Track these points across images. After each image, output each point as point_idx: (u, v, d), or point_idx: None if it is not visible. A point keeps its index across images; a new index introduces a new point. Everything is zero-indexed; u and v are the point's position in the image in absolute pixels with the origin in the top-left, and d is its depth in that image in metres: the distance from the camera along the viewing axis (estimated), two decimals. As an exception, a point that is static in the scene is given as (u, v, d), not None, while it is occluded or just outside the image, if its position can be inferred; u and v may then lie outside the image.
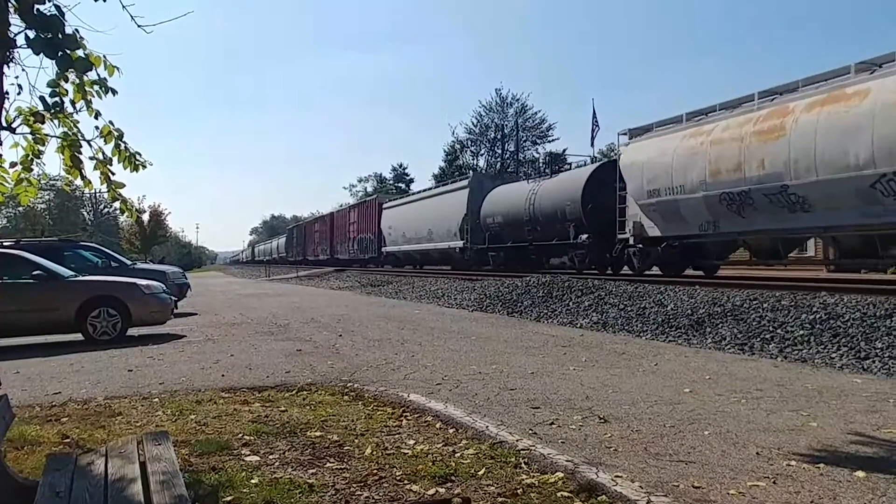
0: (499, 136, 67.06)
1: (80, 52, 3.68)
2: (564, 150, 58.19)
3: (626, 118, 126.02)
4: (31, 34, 3.21)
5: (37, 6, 3.16)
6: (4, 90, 3.39)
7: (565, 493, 3.52)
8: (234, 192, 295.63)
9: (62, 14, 3.28)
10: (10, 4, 3.13)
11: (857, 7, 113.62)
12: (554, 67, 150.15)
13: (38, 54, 3.28)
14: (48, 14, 3.22)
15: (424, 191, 38.77)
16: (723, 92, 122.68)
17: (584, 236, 20.57)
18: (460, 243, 29.26)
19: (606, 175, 20.05)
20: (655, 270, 18.45)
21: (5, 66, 3.36)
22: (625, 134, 19.26)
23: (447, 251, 30.98)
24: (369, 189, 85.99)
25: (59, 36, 3.27)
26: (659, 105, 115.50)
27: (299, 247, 68.52)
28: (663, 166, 16.54)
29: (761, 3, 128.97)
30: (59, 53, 3.32)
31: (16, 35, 3.25)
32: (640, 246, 18.14)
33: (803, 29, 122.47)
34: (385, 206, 41.03)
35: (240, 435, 4.75)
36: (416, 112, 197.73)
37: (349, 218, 48.48)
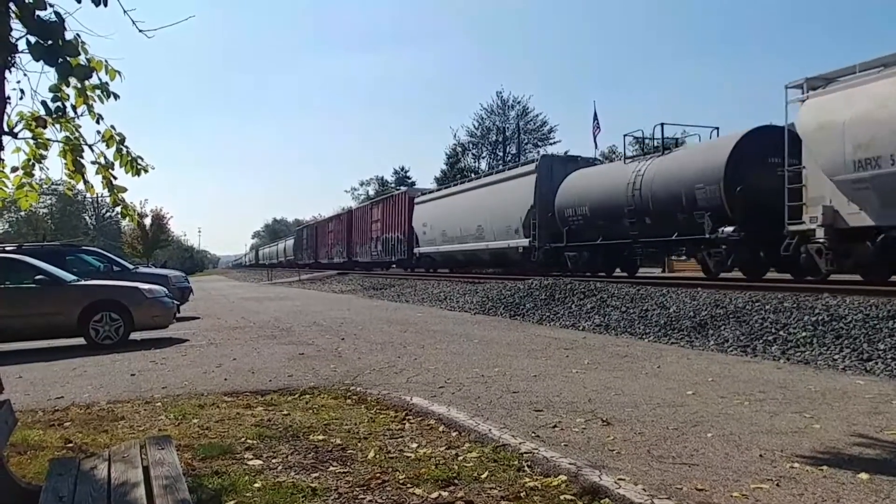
0: (500, 139, 67.08)
1: (81, 58, 3.69)
2: (566, 153, 58.13)
3: (628, 119, 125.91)
4: (32, 40, 3.22)
5: (37, 12, 3.17)
6: (6, 95, 3.40)
7: (568, 497, 3.51)
8: (235, 195, 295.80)
9: (62, 21, 3.28)
10: (10, 10, 3.14)
11: (856, 6, 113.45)
12: (555, 69, 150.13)
13: (37, 61, 3.29)
14: (48, 20, 3.23)
15: (471, 180, 32.43)
16: (726, 92, 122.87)
17: (729, 229, 15.33)
18: (524, 242, 23.39)
19: (757, 147, 15.29)
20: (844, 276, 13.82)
21: (7, 71, 3.37)
22: (797, 87, 13.58)
23: (504, 252, 25.33)
24: (371, 192, 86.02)
25: (60, 43, 3.27)
26: (661, 106, 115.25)
27: (310, 249, 63.37)
28: (888, 122, 11.54)
29: (762, 3, 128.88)
30: (59, 60, 3.32)
31: (17, 40, 3.26)
32: (831, 240, 12.86)
33: (803, 29, 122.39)
34: (417, 200, 35.23)
35: (243, 439, 4.75)
36: (418, 114, 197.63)
37: (372, 215, 42.43)
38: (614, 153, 49.37)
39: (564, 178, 22.19)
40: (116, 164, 4.46)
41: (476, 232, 27.39)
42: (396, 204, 38.09)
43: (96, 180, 4.54)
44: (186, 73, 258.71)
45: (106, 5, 3.27)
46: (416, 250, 34.16)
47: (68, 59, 3.38)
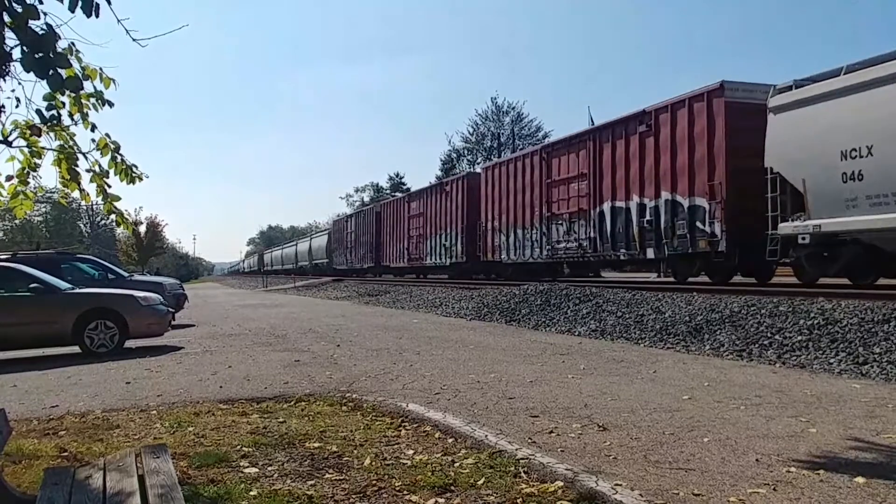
0: (495, 145, 67.19)
1: (76, 67, 3.70)
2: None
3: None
4: (25, 50, 3.22)
5: (30, 22, 3.17)
6: (1, 104, 3.41)
7: (565, 502, 3.51)
8: (230, 203, 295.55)
9: (54, 32, 3.28)
10: (4, 21, 3.14)
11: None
12: (550, 73, 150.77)
13: (28, 72, 3.29)
14: (40, 32, 3.22)
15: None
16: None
17: None
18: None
19: None
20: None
21: (1, 80, 3.37)
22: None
23: None
24: (366, 199, 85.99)
25: (51, 55, 3.27)
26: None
27: (363, 248, 42.29)
28: None
29: (761, 8, 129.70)
30: (50, 72, 3.32)
31: (11, 49, 3.26)
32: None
33: (804, 30, 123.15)
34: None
35: (238, 447, 4.73)
36: (412, 121, 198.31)
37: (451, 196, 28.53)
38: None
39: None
40: (111, 172, 4.46)
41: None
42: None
43: (91, 188, 4.54)
44: (183, 82, 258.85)
45: (97, 16, 3.26)
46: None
47: (59, 70, 3.38)
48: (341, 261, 47.23)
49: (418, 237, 32.16)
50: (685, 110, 15.25)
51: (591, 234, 18.45)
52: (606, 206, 17.87)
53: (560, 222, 20.13)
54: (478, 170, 30.81)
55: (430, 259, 30.55)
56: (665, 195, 15.89)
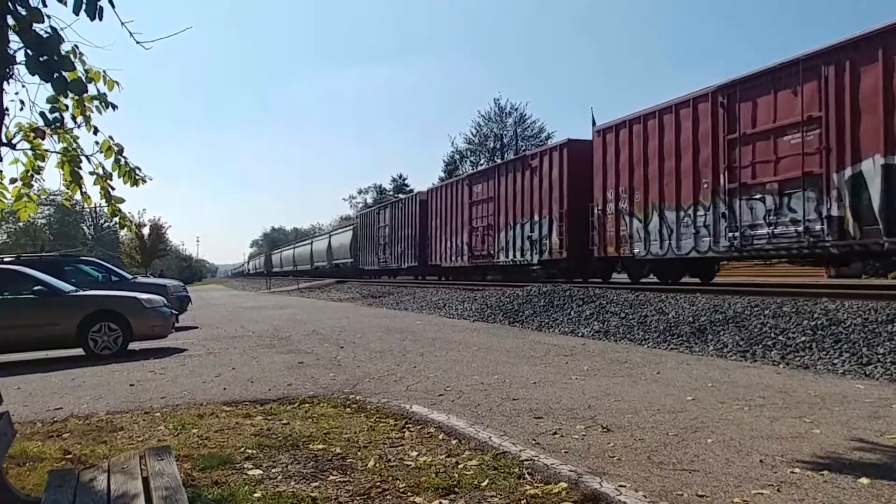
0: (498, 146, 67.18)
1: (79, 70, 3.70)
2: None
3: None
4: (30, 53, 3.23)
5: (34, 25, 3.18)
6: (5, 106, 3.41)
7: (569, 504, 3.51)
8: (232, 205, 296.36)
9: (58, 35, 3.29)
10: (8, 23, 3.15)
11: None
12: (552, 74, 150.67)
13: (33, 75, 3.29)
14: (44, 35, 3.23)
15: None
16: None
17: None
18: None
19: None
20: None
21: (5, 83, 3.37)
22: None
23: None
24: (369, 200, 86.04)
25: (55, 58, 3.28)
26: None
27: (402, 244, 34.64)
28: None
29: (758, 12, 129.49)
30: (55, 75, 3.33)
31: (15, 52, 3.27)
32: None
33: (804, 31, 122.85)
34: None
35: (242, 449, 4.73)
36: (415, 124, 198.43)
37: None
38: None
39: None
40: (114, 174, 4.47)
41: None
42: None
43: (94, 191, 4.55)
44: (188, 85, 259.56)
45: (101, 19, 3.27)
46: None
47: (64, 73, 3.39)
48: (371, 260, 39.82)
49: (485, 228, 24.90)
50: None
51: (834, 212, 11.88)
52: (871, 165, 11.33)
53: (757, 196, 13.47)
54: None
55: (506, 255, 23.27)
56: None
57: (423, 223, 31.68)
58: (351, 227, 48.54)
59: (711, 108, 14.49)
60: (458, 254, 27.44)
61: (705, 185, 14.57)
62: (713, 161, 14.34)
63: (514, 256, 22.68)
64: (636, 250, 16.75)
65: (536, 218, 21.20)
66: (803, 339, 8.44)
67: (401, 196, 35.98)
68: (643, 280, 17.98)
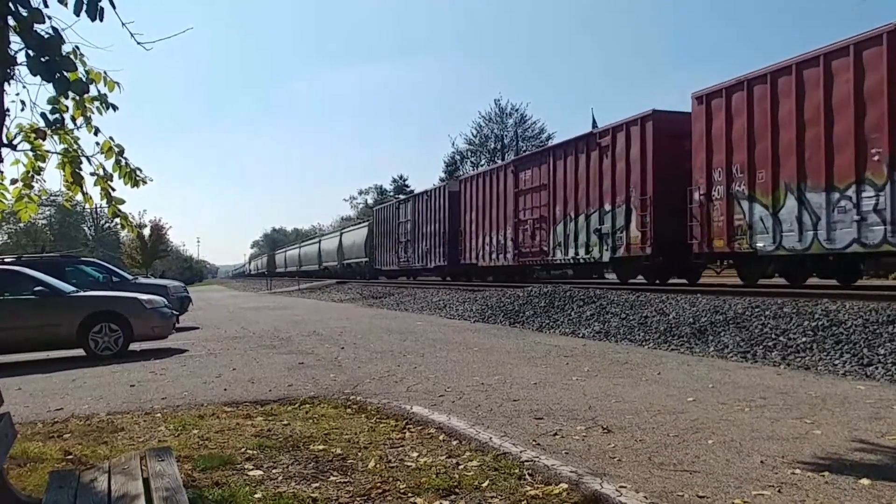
0: (498, 147, 67.16)
1: (80, 70, 3.70)
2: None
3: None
4: (30, 54, 3.23)
5: (35, 25, 3.18)
6: (6, 107, 3.41)
7: (570, 505, 3.50)
8: (233, 206, 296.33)
9: (60, 36, 3.29)
10: (9, 23, 3.15)
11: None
12: (552, 74, 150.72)
13: (35, 76, 3.30)
14: (46, 35, 3.24)
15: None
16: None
17: None
18: None
19: None
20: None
21: (6, 84, 3.38)
22: None
23: None
24: (369, 200, 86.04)
25: (56, 58, 3.28)
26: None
27: (428, 241, 30.68)
28: None
29: (759, 11, 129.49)
30: (57, 76, 3.33)
31: (16, 52, 3.27)
32: None
33: (806, 29, 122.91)
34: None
35: (243, 449, 4.73)
36: (415, 124, 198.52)
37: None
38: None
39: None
40: (115, 175, 4.48)
41: None
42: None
43: (95, 192, 4.56)
44: (189, 86, 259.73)
45: (102, 20, 3.28)
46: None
47: (65, 73, 3.39)
48: (389, 259, 35.68)
49: (535, 221, 21.31)
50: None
51: None
52: None
53: None
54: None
55: (565, 252, 19.69)
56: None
57: (453, 217, 27.86)
58: (366, 223, 43.78)
59: (888, 52, 10.77)
60: (500, 251, 23.75)
61: (875, 157, 10.98)
62: (891, 122, 10.79)
63: (577, 253, 19.12)
64: (759, 244, 13.16)
65: (608, 207, 17.58)
66: (804, 339, 8.43)
67: (431, 189, 31.86)
68: (644, 281, 17.46)
